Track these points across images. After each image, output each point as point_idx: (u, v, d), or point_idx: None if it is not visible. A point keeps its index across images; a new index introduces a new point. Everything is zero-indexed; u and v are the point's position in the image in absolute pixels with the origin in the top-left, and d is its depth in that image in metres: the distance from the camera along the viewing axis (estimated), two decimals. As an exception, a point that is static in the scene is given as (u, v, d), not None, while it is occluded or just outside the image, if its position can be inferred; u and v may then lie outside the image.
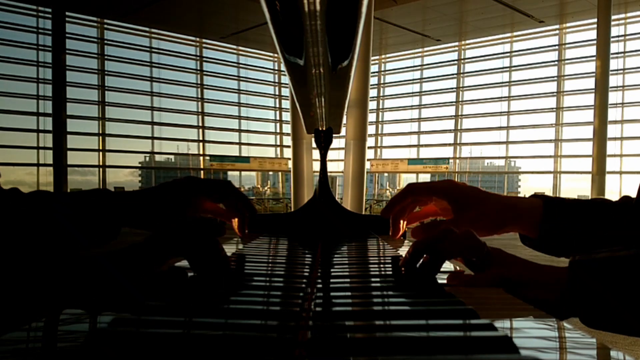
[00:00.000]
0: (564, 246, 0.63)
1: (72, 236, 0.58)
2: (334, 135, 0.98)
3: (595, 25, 10.93)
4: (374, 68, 16.17)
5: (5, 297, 0.35)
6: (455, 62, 15.87)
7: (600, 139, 10.38)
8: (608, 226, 0.62)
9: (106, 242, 0.63)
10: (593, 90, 10.82)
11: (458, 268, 0.56)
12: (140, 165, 15.97)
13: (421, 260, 0.51)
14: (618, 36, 12.72)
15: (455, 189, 0.65)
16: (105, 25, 14.02)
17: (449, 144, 16.11)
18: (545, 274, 0.49)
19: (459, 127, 15.97)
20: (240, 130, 16.58)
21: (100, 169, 14.16)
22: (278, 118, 17.31)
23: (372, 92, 16.42)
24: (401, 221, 0.72)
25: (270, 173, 17.79)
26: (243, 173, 16.87)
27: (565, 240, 0.63)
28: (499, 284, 0.48)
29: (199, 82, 15.72)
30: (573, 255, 0.47)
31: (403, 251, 0.78)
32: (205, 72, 15.79)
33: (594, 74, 10.87)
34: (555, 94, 14.29)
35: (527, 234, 0.65)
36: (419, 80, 16.74)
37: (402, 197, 0.69)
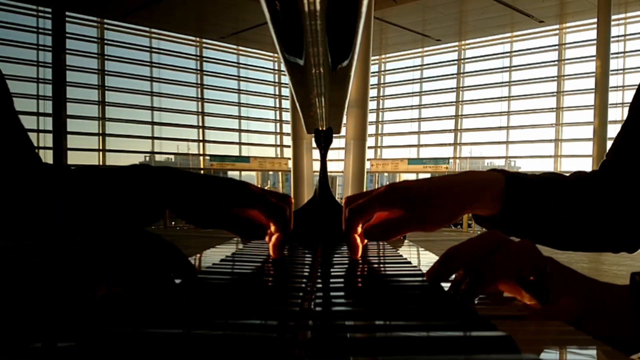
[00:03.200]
0: (525, 224, 0.57)
1: (113, 217, 0.54)
2: (334, 135, 0.98)
3: (595, 25, 10.94)
4: (374, 68, 16.18)
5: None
6: (455, 62, 15.88)
7: (600, 139, 10.39)
8: (565, 202, 0.57)
9: (151, 223, 0.58)
10: (593, 90, 10.82)
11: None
12: (140, 165, 15.96)
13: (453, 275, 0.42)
14: (618, 36, 12.72)
15: (398, 190, 0.55)
16: (105, 25, 14.02)
17: (449, 144, 16.11)
18: (617, 298, 0.38)
19: (459, 127, 15.97)
20: (240, 130, 16.59)
21: (100, 169, 14.14)
22: (278, 118, 17.31)
23: (372, 92, 16.42)
24: (357, 238, 0.58)
25: (270, 173, 17.79)
26: (243, 173, 16.87)
27: (526, 218, 0.57)
28: (573, 321, 0.36)
29: (199, 82, 15.73)
30: (636, 274, 0.38)
31: (403, 251, 0.78)
32: (205, 72, 15.80)
33: (594, 74, 10.87)
34: (555, 94, 14.29)
35: (484, 213, 0.58)
36: (419, 80, 16.75)
37: (349, 222, 0.57)
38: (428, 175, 16.59)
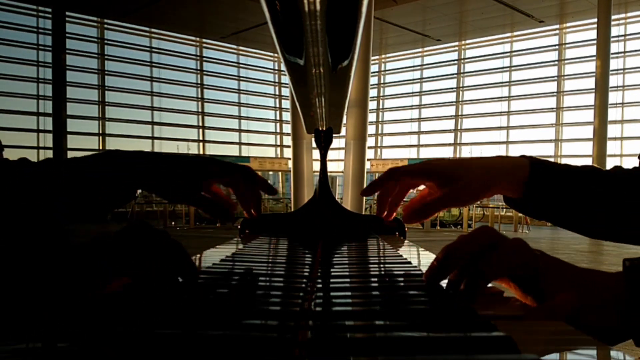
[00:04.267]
0: (548, 209, 0.61)
1: (84, 201, 0.59)
2: (334, 135, 0.98)
3: (595, 25, 10.94)
4: (374, 68, 16.17)
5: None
6: (455, 62, 15.87)
7: (600, 139, 10.39)
8: (596, 193, 0.59)
9: (123, 204, 0.64)
10: (593, 90, 10.82)
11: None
12: (140, 165, 15.95)
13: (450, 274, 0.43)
14: (618, 36, 12.71)
15: (436, 166, 0.62)
16: (105, 25, 14.01)
17: (449, 144, 16.11)
18: (611, 287, 0.38)
19: (459, 127, 15.97)
20: (240, 130, 16.59)
21: (100, 169, 14.14)
22: (278, 118, 17.31)
23: (372, 92, 16.42)
24: (389, 201, 0.70)
25: (270, 173, 17.79)
26: (243, 173, 16.86)
27: (550, 204, 0.60)
28: (568, 318, 0.36)
29: (199, 82, 15.72)
30: (627, 259, 0.39)
31: (403, 251, 0.78)
32: (205, 72, 15.80)
33: (594, 74, 10.87)
34: (555, 94, 14.29)
35: (511, 195, 0.62)
36: (419, 80, 16.74)
37: (383, 180, 0.66)
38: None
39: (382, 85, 17.51)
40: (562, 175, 0.60)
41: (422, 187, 0.69)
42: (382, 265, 0.62)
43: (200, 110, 15.76)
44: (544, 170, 0.59)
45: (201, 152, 15.81)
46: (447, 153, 16.04)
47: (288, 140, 13.93)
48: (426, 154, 16.55)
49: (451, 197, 0.60)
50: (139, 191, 0.64)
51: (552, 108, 14.34)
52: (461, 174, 0.60)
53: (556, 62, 14.22)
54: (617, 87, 12.93)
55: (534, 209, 0.61)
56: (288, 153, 14.59)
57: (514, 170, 0.60)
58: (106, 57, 14.12)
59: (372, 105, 15.35)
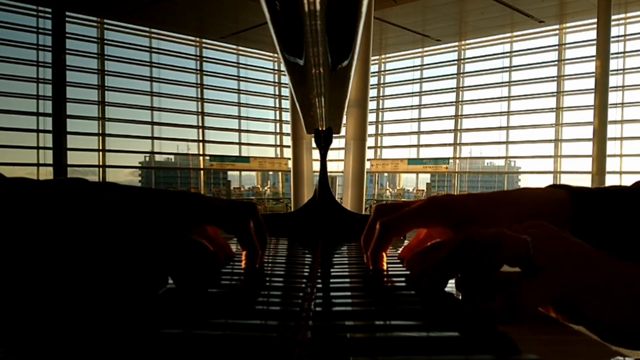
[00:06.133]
0: (599, 243, 0.49)
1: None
2: (334, 135, 0.98)
3: (595, 25, 10.93)
4: (374, 68, 16.17)
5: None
6: (455, 62, 15.87)
7: (600, 139, 10.38)
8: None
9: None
10: (593, 90, 10.81)
11: None
12: (140, 165, 15.97)
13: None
14: (618, 36, 12.72)
15: (442, 204, 0.49)
16: (105, 25, 14.01)
17: (449, 144, 16.11)
18: (618, 277, 0.34)
19: (458, 127, 15.97)
20: (240, 130, 16.59)
21: (100, 169, 14.16)
22: (278, 118, 17.31)
23: (372, 92, 16.42)
24: (384, 256, 0.52)
25: (270, 173, 17.79)
26: (243, 173, 16.88)
27: (600, 237, 0.50)
28: (556, 305, 0.33)
29: (199, 82, 15.72)
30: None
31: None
32: (205, 72, 15.79)
33: (594, 74, 10.86)
34: (555, 94, 14.29)
35: None
36: (419, 80, 16.74)
37: (380, 238, 0.50)
38: (428, 176, 16.60)
39: (382, 85, 17.51)
40: (611, 201, 0.50)
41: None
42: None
43: (200, 110, 15.76)
44: (588, 200, 0.50)
45: (201, 152, 15.83)
46: (447, 153, 16.05)
47: (288, 140, 13.94)
48: (426, 154, 16.56)
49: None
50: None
51: (552, 108, 14.34)
52: (479, 212, 0.48)
53: (556, 63, 14.22)
54: (617, 87, 12.93)
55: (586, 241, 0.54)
56: (288, 153, 14.59)
57: (548, 204, 0.50)
58: (106, 57, 14.12)
59: (372, 105, 15.36)
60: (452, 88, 16.12)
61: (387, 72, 17.41)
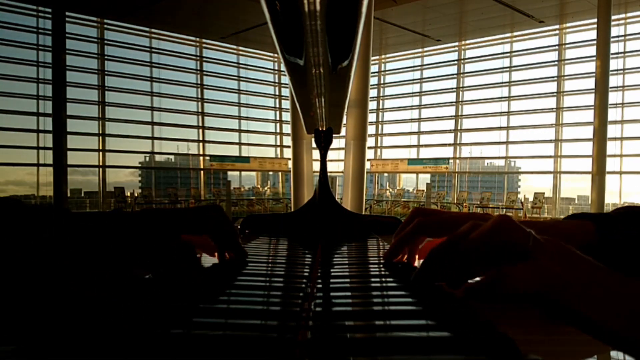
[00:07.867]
0: (625, 268, 0.49)
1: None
2: (334, 135, 0.98)
3: (595, 25, 10.93)
4: (374, 68, 16.18)
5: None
6: (455, 62, 15.88)
7: (600, 139, 10.38)
8: None
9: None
10: (593, 90, 10.81)
11: None
12: (140, 165, 15.98)
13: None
14: (618, 36, 12.72)
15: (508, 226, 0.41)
16: (105, 25, 14.02)
17: (449, 144, 16.11)
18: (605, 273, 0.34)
19: (459, 127, 15.97)
20: (240, 131, 16.60)
21: (100, 169, 14.16)
22: (278, 118, 17.32)
23: (372, 92, 16.43)
24: (406, 249, 0.57)
25: (270, 173, 17.79)
26: (243, 173, 16.88)
27: (626, 262, 0.49)
28: (540, 300, 0.34)
29: (199, 82, 15.73)
30: None
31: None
32: (205, 72, 15.80)
33: (594, 74, 10.86)
34: (555, 94, 14.29)
35: None
36: (419, 81, 16.75)
37: (409, 236, 0.54)
38: (428, 176, 16.59)
39: (382, 85, 17.51)
40: (635, 226, 0.50)
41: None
42: (382, 266, 0.62)
43: (200, 110, 15.76)
44: (613, 230, 0.50)
45: (201, 152, 15.83)
46: (447, 153, 16.06)
47: (288, 141, 13.94)
48: (426, 154, 16.57)
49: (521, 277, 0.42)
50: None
51: (552, 108, 14.34)
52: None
53: (556, 63, 14.22)
54: (617, 87, 12.93)
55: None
56: (288, 153, 14.60)
57: (579, 238, 0.50)
58: (106, 57, 14.13)
59: (372, 105, 15.37)
60: (452, 88, 16.12)
61: (387, 72, 17.42)
